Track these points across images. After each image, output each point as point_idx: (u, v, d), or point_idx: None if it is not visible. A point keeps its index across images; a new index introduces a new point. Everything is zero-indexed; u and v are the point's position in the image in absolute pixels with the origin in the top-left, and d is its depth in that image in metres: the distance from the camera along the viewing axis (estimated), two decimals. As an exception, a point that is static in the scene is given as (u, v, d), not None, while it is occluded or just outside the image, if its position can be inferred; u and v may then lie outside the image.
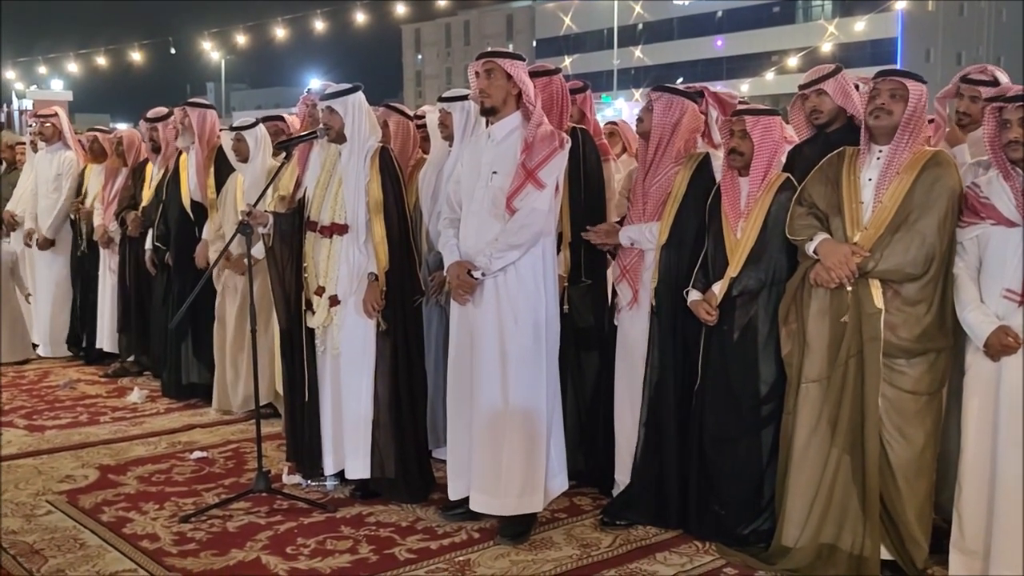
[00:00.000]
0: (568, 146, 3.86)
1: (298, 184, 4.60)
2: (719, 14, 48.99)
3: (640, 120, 4.10)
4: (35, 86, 22.32)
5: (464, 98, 4.28)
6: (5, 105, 18.89)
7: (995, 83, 4.01)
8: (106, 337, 7.11)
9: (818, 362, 3.53)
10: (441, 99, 4.49)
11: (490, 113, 3.86)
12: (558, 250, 4.13)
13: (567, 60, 31.90)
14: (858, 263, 3.37)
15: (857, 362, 3.44)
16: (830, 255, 3.42)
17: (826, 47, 22.60)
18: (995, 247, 3.28)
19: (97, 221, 7.00)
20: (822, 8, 46.09)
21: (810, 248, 3.51)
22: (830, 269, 3.41)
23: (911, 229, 3.35)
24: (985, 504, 3.31)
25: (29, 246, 7.46)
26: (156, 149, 6.51)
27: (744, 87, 28.96)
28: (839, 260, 3.39)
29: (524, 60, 3.91)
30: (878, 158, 3.47)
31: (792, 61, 20.73)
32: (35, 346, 7.55)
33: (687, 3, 46.44)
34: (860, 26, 28.50)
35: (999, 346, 3.23)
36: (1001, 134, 3.29)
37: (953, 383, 3.53)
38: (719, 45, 44.18)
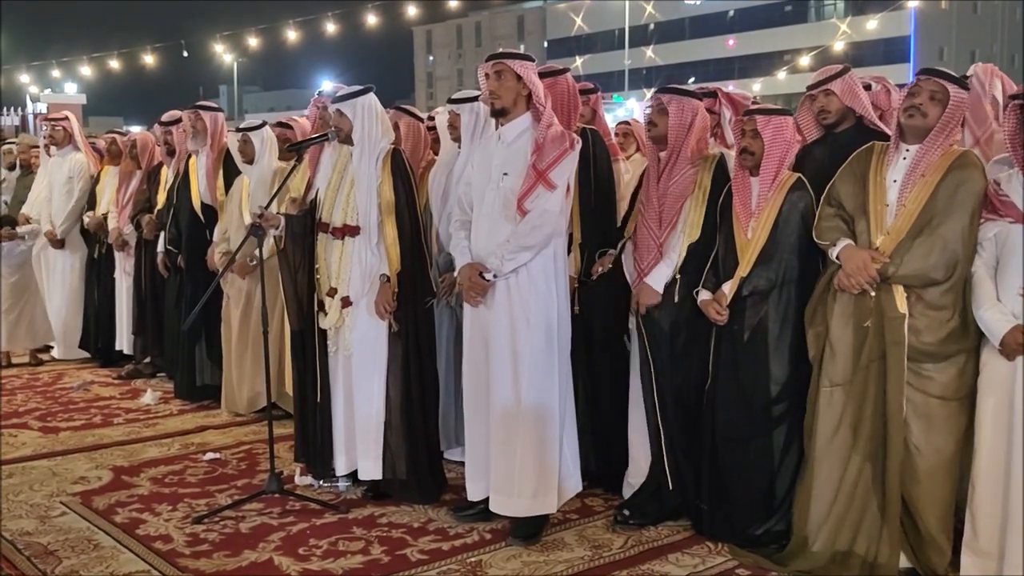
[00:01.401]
0: (579, 147, 3.84)
1: (309, 186, 4.62)
2: (731, 13, 48.86)
3: (653, 124, 3.97)
4: (49, 89, 22.48)
5: (474, 99, 4.27)
6: (20, 109, 19.05)
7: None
8: (125, 339, 7.15)
9: (841, 366, 3.50)
10: (451, 100, 4.49)
11: (500, 115, 3.86)
12: (569, 251, 4.12)
13: (578, 61, 31.80)
14: (878, 268, 3.35)
15: (879, 367, 3.41)
16: (850, 261, 3.40)
17: (838, 46, 22.47)
18: (1013, 245, 3.24)
19: (112, 224, 7.03)
20: (834, 7, 45.89)
21: (833, 254, 3.49)
22: (850, 275, 3.40)
23: (933, 234, 3.31)
24: (1000, 505, 3.28)
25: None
26: (171, 152, 6.54)
27: (756, 86, 28.86)
28: (858, 266, 3.37)
29: (534, 61, 3.90)
30: (904, 158, 3.43)
31: (804, 60, 20.61)
32: (50, 347, 7.59)
33: (699, 3, 46.33)
34: (872, 25, 28.34)
35: (1015, 345, 3.20)
36: (1022, 132, 3.27)
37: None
38: (731, 45, 44.05)
